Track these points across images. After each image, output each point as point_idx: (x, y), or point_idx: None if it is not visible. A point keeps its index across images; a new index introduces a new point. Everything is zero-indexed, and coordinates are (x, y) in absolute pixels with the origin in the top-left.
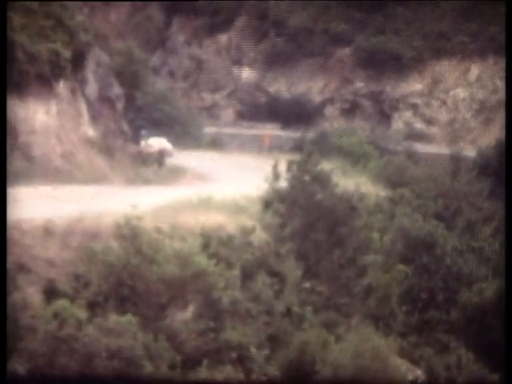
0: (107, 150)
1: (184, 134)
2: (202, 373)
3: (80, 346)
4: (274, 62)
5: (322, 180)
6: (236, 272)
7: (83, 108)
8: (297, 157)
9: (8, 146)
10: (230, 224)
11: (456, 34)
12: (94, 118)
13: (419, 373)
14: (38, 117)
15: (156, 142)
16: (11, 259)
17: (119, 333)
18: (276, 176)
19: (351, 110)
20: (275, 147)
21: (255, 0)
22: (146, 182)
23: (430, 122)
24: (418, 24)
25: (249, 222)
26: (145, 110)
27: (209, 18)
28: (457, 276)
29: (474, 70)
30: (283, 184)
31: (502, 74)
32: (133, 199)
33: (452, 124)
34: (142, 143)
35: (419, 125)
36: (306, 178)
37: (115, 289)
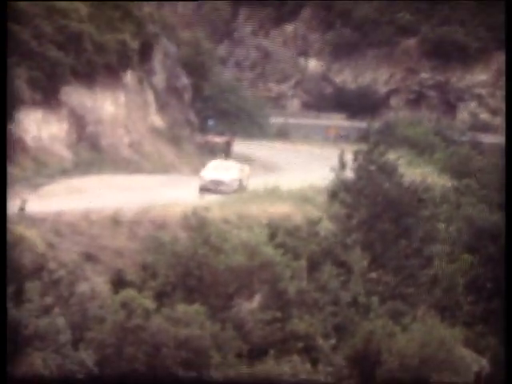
0: (174, 140)
1: (250, 124)
2: (269, 363)
3: (148, 335)
4: (340, 52)
5: (388, 170)
6: (303, 262)
7: (150, 98)
8: (363, 147)
9: (76, 136)
10: (296, 214)
11: None
12: (162, 108)
13: (484, 362)
14: (106, 107)
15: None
16: (79, 249)
17: (187, 322)
18: (342, 166)
19: (417, 100)
20: (341, 137)
21: None
22: None
23: (495, 112)
24: (483, 15)
25: (315, 213)
26: (212, 100)
27: (275, 8)
28: None
29: None
30: (349, 174)
31: None
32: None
33: None
34: None
35: (484, 115)
36: (372, 168)
37: (183, 279)
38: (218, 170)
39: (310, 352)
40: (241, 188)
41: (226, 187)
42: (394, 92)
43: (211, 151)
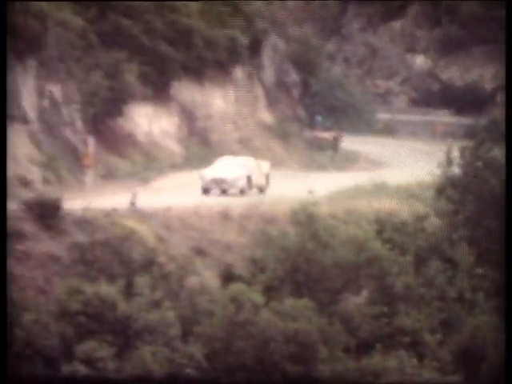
0: (283, 136)
1: (358, 120)
2: (376, 357)
3: (256, 330)
4: (447, 49)
5: (495, 167)
6: (409, 258)
7: (260, 94)
8: (469, 143)
9: (186, 131)
10: (403, 210)
11: None
12: (271, 103)
13: None
14: (216, 102)
15: None
16: (189, 244)
17: (295, 317)
18: (449, 162)
19: None
20: (447, 134)
21: None
22: (321, 167)
23: None
24: None
25: (422, 208)
26: (320, 96)
27: (383, 4)
28: None
29: None
30: (456, 170)
31: None
32: (308, 185)
33: None
34: None
35: None
36: (479, 164)
37: (291, 273)
38: (222, 167)
39: (416, 347)
40: (250, 187)
41: (228, 186)
42: (500, 89)
43: (320, 147)
